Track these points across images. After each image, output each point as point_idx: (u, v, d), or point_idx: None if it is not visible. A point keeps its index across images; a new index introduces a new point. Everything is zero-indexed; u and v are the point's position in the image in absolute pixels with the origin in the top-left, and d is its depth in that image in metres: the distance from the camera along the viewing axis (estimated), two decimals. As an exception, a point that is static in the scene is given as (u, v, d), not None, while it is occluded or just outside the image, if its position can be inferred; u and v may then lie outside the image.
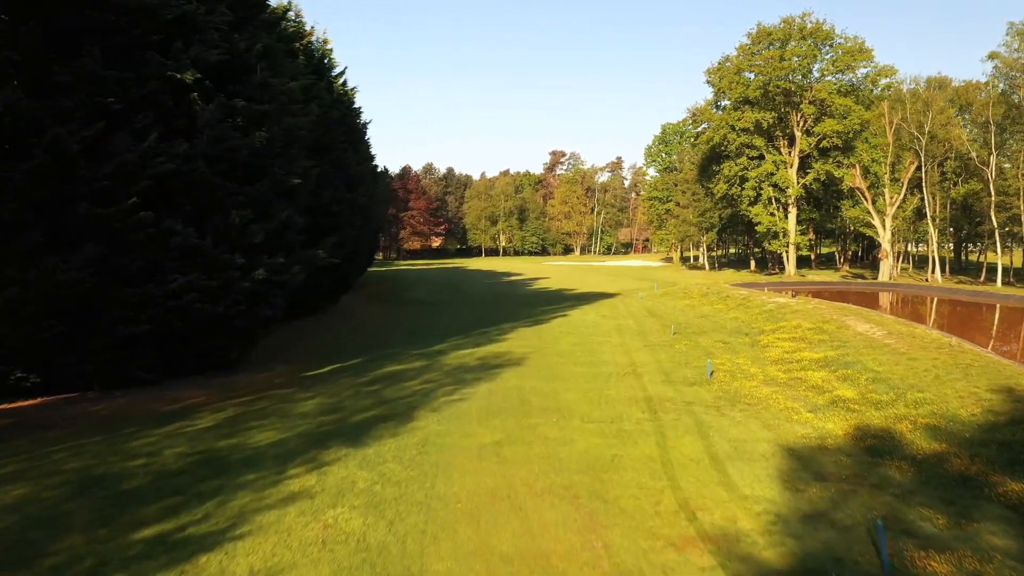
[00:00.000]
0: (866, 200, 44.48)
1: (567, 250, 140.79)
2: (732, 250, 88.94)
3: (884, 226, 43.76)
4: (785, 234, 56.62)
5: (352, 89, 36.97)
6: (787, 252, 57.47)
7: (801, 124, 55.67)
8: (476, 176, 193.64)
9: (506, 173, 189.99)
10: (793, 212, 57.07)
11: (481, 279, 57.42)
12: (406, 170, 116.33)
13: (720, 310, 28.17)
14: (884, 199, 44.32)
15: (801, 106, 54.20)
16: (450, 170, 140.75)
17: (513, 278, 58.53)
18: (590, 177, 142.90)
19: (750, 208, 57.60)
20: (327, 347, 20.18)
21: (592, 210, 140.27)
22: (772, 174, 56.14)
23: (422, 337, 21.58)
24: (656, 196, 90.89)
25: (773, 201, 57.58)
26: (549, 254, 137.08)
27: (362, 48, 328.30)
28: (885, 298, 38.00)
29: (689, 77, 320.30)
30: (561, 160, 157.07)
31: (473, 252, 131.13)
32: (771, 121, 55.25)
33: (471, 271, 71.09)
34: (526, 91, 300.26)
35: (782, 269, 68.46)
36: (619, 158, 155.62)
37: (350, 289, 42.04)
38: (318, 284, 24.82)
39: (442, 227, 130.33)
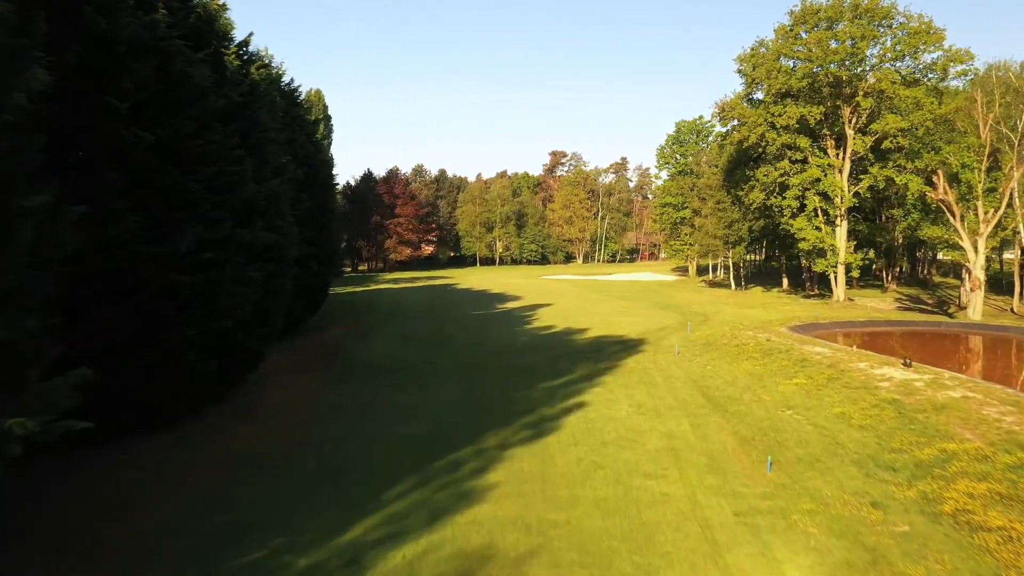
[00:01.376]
0: (953, 216, 35.76)
1: (568, 258, 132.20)
2: (752, 257, 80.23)
3: (976, 248, 35.10)
4: (834, 251, 48.00)
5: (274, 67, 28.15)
6: (835, 273, 48.84)
7: (853, 121, 47.05)
8: (472, 178, 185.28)
9: (503, 175, 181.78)
10: (844, 226, 48.43)
11: (470, 307, 48.63)
12: (392, 173, 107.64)
13: (807, 390, 19.47)
14: (975, 214, 35.62)
15: (856, 99, 45.56)
16: (442, 172, 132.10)
17: (509, 305, 49.79)
18: (593, 179, 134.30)
19: (791, 221, 48.96)
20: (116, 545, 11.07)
21: (596, 215, 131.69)
22: (818, 180, 47.53)
23: (339, 490, 12.70)
24: (670, 202, 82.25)
25: (819, 212, 48.94)
26: (549, 262, 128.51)
27: (359, 49, 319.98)
28: None
29: (702, 70, 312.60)
30: (562, 161, 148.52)
31: (467, 261, 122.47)
32: (819, 117, 46.63)
33: (460, 292, 62.36)
34: (524, 89, 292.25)
35: (822, 287, 59.93)
36: (624, 159, 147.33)
37: (301, 325, 33.32)
38: (192, 370, 15.91)
39: (433, 234, 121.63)
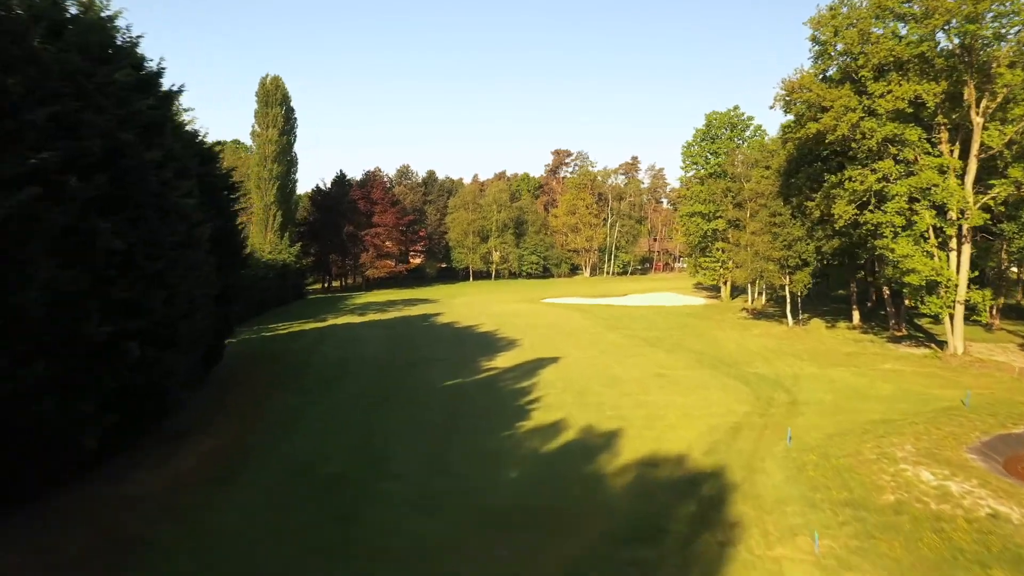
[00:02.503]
0: None
1: (574, 270, 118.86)
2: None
3: None
4: (951, 287, 34.72)
5: None
6: (952, 315, 35.56)
7: (982, 106, 33.69)
8: (468, 179, 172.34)
9: (501, 176, 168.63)
10: (966, 251, 35.10)
11: (444, 368, 35.23)
12: (371, 176, 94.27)
13: None
14: None
15: (993, 71, 32.23)
16: (431, 174, 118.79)
17: (498, 363, 36.36)
18: (601, 182, 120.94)
19: (892, 243, 35.59)
20: None
21: (605, 221, 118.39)
22: (931, 188, 34.24)
23: None
24: (699, 211, 68.88)
25: (932, 232, 35.62)
26: (553, 275, 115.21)
27: (357, 48, 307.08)
28: None
29: (724, 54, 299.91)
30: (566, 161, 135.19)
31: (459, 275, 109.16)
32: (939, 98, 33.29)
33: (438, 331, 48.92)
34: (523, 81, 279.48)
35: (909, 324, 46.58)
36: (634, 158, 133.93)
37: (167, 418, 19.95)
38: None
39: (420, 244, 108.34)
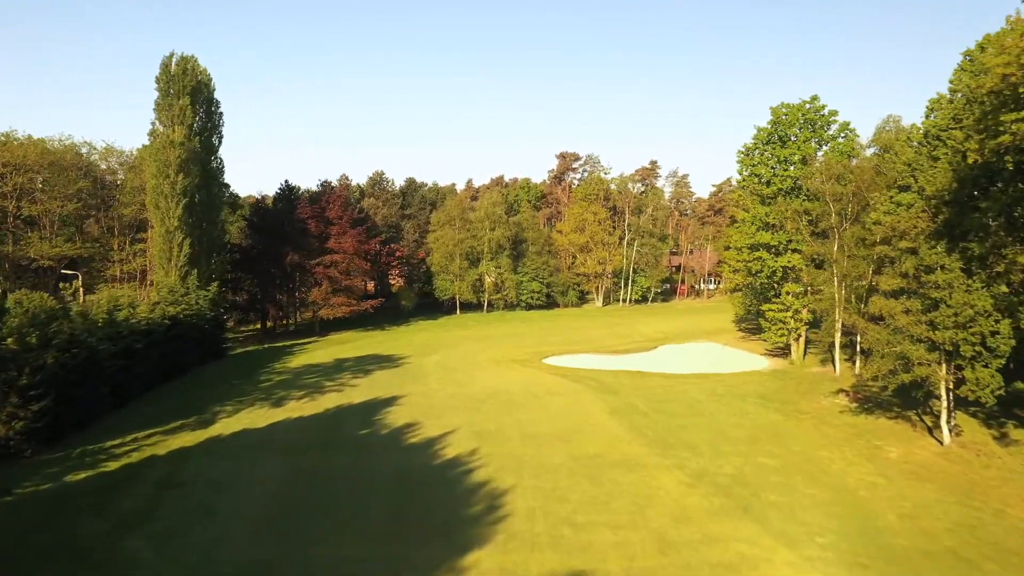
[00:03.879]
0: None
1: (583, 297, 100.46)
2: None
3: None
4: None
5: None
6: None
7: None
8: (461, 184, 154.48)
9: (498, 181, 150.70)
10: None
11: (364, 556, 17.37)
12: (326, 187, 75.97)
13: None
14: None
15: None
16: (410, 182, 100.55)
17: (474, 557, 18.25)
18: (617, 191, 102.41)
19: None
20: None
21: (621, 239, 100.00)
22: None
23: None
24: (766, 243, 50.47)
25: None
26: (558, 305, 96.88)
27: (352, 49, 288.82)
28: None
29: (748, 36, 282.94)
30: (573, 166, 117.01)
31: (443, 307, 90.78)
32: None
33: (378, 459, 30.12)
34: (522, 72, 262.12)
35: None
36: (653, 162, 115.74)
37: None
38: None
39: (395, 269, 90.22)
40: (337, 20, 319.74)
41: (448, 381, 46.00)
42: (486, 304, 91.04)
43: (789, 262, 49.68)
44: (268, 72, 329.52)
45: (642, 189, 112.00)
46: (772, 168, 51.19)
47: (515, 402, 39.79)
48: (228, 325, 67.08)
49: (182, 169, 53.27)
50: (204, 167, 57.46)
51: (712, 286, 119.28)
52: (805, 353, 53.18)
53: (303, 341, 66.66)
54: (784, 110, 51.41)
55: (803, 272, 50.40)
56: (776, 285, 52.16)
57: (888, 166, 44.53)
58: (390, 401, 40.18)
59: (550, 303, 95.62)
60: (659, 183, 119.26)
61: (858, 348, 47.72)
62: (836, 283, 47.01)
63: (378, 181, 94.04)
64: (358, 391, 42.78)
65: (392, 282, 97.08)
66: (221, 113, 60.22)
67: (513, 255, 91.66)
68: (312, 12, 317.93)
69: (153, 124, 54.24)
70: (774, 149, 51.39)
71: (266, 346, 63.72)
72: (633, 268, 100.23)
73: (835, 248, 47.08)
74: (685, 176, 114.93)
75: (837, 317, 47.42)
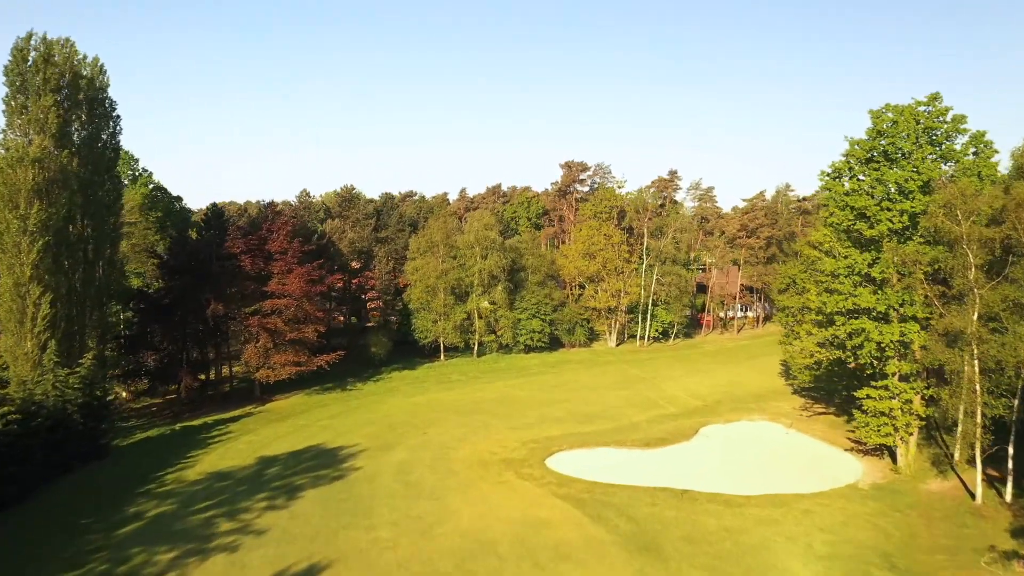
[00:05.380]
0: None
1: (593, 337, 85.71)
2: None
3: None
4: None
5: None
6: None
7: None
8: (454, 194, 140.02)
9: (495, 190, 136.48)
10: None
11: None
12: (270, 211, 61.20)
13: None
14: None
15: None
16: (386, 198, 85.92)
17: None
18: (633, 210, 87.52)
19: None
20: None
21: (639, 266, 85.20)
22: None
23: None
24: (867, 306, 35.64)
25: None
26: (563, 346, 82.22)
27: (348, 50, 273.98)
28: None
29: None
30: (581, 177, 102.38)
31: (425, 351, 75.94)
32: None
33: None
34: (524, 74, 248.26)
35: None
36: (673, 172, 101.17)
37: None
38: None
39: (373, 303, 75.61)
40: (311, 13, 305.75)
41: (406, 520, 31.18)
42: (476, 346, 76.27)
43: (903, 335, 34.95)
44: (254, 73, 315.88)
45: (662, 202, 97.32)
46: (876, 197, 36.43)
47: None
48: (125, 398, 52.68)
49: (42, 195, 38.60)
50: (87, 191, 42.86)
51: (740, 313, 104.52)
52: (915, 457, 38.41)
53: (231, 415, 51.83)
54: (891, 114, 36.68)
55: (918, 348, 35.76)
56: (876, 362, 37.45)
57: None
58: (303, 584, 25.40)
59: (553, 343, 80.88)
60: (679, 196, 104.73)
61: (1010, 463, 33.18)
62: (975, 368, 32.51)
63: (347, 198, 79.26)
64: (258, 554, 27.85)
65: (374, 314, 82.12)
66: (118, 117, 45.64)
67: (509, 287, 76.96)
68: (275, 7, 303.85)
69: (2, 133, 39.57)
70: (877, 170, 36.64)
71: (179, 427, 48.88)
72: (653, 301, 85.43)
73: (974, 317, 32.59)
74: (710, 189, 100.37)
75: (978, 417, 32.91)
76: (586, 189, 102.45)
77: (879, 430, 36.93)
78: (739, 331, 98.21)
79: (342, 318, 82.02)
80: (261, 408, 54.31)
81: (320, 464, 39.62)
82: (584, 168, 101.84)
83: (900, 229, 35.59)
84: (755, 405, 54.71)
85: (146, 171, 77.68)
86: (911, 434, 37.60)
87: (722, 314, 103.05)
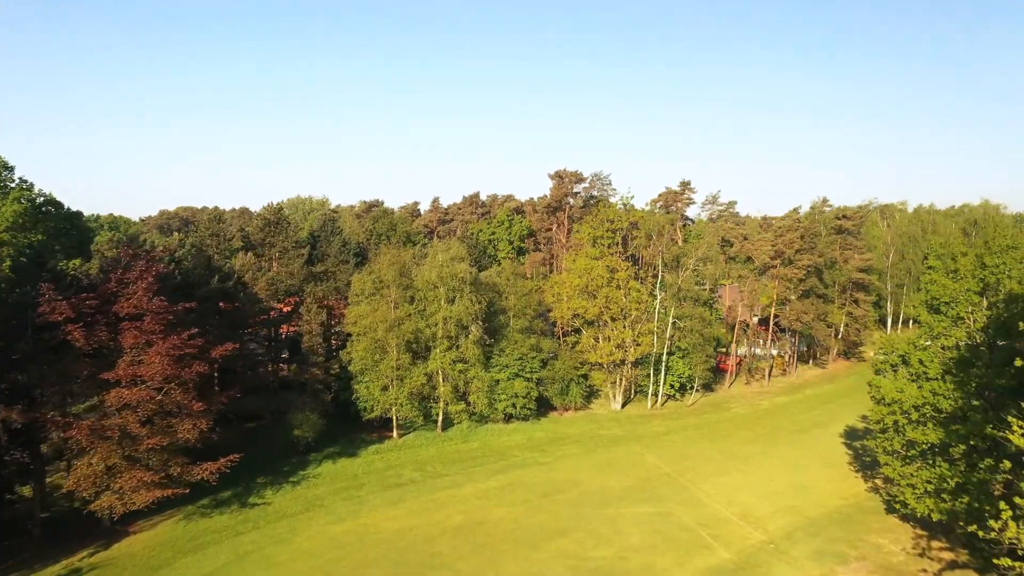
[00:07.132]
0: None
1: (591, 396, 68.65)
2: None
3: None
4: None
5: None
6: None
7: None
8: (426, 204, 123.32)
9: (473, 200, 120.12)
10: None
11: None
12: (124, 252, 42.59)
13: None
14: None
15: None
16: (327, 220, 68.27)
17: None
18: (647, 229, 70.32)
19: None
20: None
21: (651, 305, 68.16)
22: None
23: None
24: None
25: None
26: (555, 409, 65.24)
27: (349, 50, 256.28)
28: None
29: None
30: (575, 189, 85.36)
31: (370, 427, 58.32)
32: None
33: None
34: (517, 69, 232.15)
35: None
36: (685, 183, 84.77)
37: None
38: None
39: (290, 365, 58.05)
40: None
41: None
42: (441, 419, 58.87)
43: None
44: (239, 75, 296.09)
45: (671, 220, 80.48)
46: None
47: None
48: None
49: None
50: None
51: (762, 350, 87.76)
52: None
53: (49, 573, 34.10)
54: None
55: None
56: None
57: None
58: None
59: (541, 407, 63.77)
60: (692, 211, 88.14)
61: None
62: None
63: (273, 221, 61.43)
64: None
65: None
66: None
67: (484, 338, 59.73)
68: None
69: None
70: None
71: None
72: (669, 350, 68.59)
73: None
74: (731, 204, 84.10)
75: None
76: (584, 204, 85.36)
77: None
78: (769, 378, 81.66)
79: (270, 366, 64.00)
80: (105, 554, 36.59)
81: None
82: (578, 178, 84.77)
83: None
84: (841, 535, 38.21)
85: (25, 181, 59.50)
86: None
87: (742, 350, 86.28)
